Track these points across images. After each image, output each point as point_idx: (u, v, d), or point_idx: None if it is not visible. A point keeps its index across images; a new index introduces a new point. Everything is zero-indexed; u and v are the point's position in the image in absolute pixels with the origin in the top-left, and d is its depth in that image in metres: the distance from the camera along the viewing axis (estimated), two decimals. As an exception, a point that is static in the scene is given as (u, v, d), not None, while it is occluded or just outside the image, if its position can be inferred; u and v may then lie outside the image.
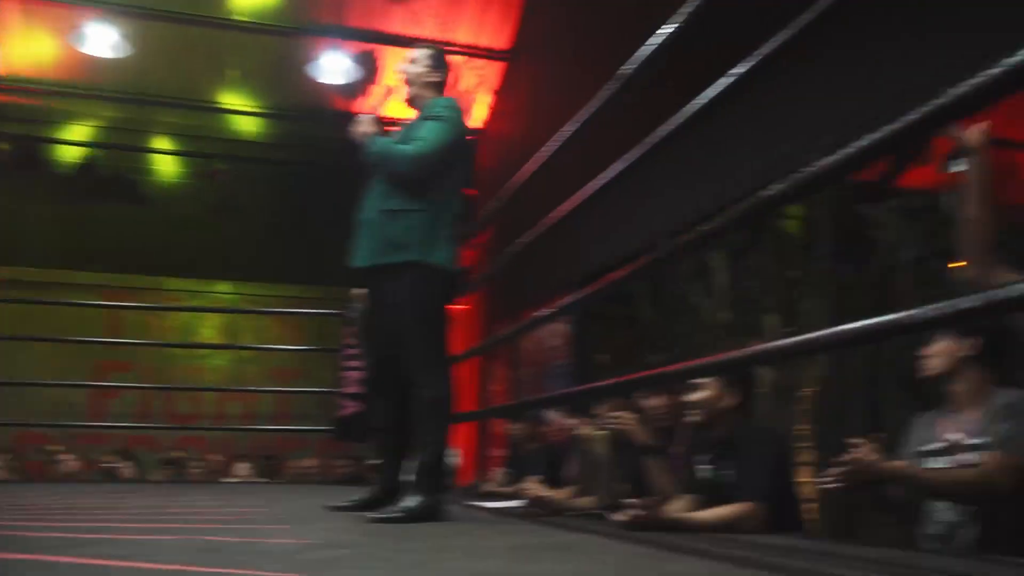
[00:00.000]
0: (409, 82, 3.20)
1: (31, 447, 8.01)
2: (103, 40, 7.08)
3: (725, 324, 5.59)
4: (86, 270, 8.61)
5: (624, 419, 3.24)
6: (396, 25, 8.55)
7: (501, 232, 6.18)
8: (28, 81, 8.55)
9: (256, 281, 9.11)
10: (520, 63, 8.31)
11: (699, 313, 5.88)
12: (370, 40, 8.59)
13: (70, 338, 7.28)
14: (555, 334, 6.98)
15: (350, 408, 5.94)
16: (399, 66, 3.24)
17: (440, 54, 3.26)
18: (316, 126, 9.24)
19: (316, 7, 8.43)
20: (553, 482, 4.13)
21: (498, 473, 5.34)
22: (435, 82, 3.21)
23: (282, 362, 8.45)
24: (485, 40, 8.56)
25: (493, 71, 8.82)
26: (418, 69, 3.20)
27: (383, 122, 3.15)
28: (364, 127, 3.06)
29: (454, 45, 8.40)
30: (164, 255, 8.83)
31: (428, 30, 8.46)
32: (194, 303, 9.01)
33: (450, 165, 3.01)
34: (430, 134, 2.96)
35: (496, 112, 8.83)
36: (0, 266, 8.51)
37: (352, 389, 5.87)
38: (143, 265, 8.72)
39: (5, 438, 7.74)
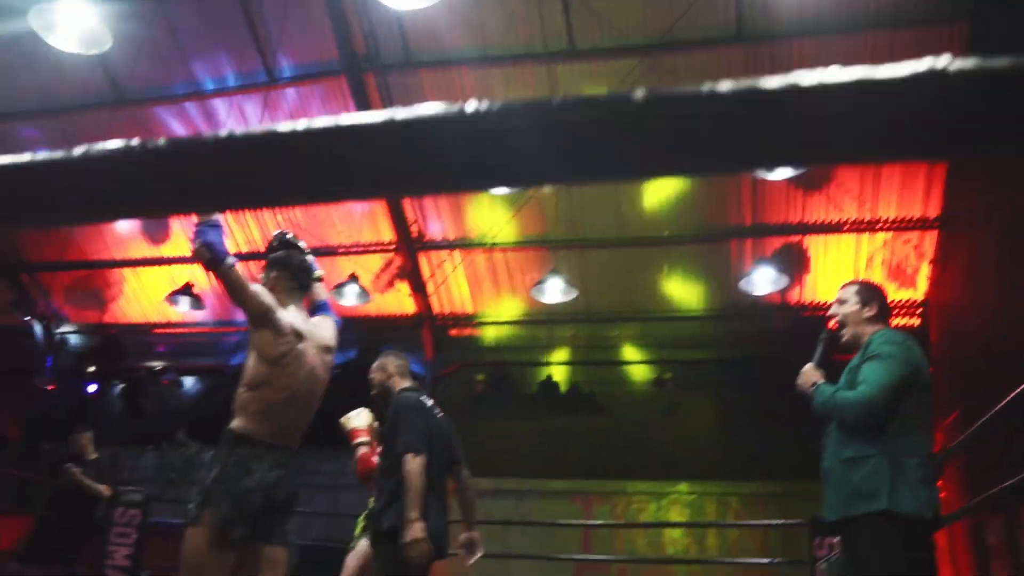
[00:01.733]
0: (842, 324, 3.17)
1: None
2: (556, 289, 8.25)
3: None
4: (558, 478, 9.55)
5: None
6: (817, 213, 8.66)
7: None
8: (493, 316, 10.64)
9: (715, 480, 9.25)
10: (955, 229, 7.78)
11: None
12: (793, 232, 8.76)
13: (551, 555, 8.28)
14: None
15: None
16: (831, 309, 3.26)
17: (867, 287, 3.23)
18: (755, 324, 9.47)
19: (736, 211, 8.94)
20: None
21: None
22: (870, 316, 3.12)
23: (750, 566, 8.30)
24: (914, 211, 8.32)
25: (928, 241, 8.37)
26: (848, 309, 3.16)
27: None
28: (807, 377, 3.12)
29: (880, 221, 8.20)
30: (625, 459, 9.55)
31: (850, 211, 8.40)
32: (660, 503, 9.36)
33: (903, 402, 2.90)
34: (873, 375, 2.90)
35: (937, 281, 8.28)
36: (483, 477, 9.80)
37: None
38: (608, 470, 9.49)
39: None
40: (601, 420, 10.46)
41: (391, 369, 3.78)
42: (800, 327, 9.67)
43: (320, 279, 3.40)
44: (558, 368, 10.63)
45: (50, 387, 11.75)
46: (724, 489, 9.76)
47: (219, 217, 2.81)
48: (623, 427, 10.26)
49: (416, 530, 3.23)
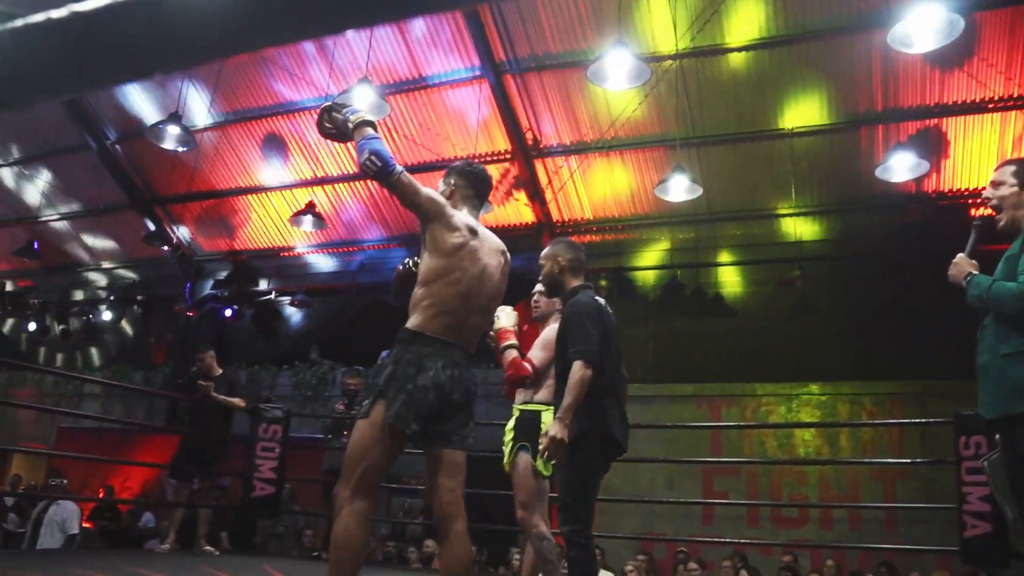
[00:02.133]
0: (997, 209, 2.96)
1: (660, 546, 8.85)
2: (680, 187, 8.04)
3: None
4: (684, 382, 9.48)
5: None
6: (959, 93, 8.12)
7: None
8: (613, 220, 10.33)
9: (847, 380, 9.02)
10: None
11: None
12: (930, 116, 8.26)
13: (680, 459, 8.56)
14: None
15: (978, 528, 5.17)
16: (985, 193, 3.06)
17: None
18: (888, 216, 9.06)
19: (867, 98, 8.49)
20: None
21: None
22: None
23: (885, 467, 8.20)
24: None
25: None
26: (1005, 191, 2.94)
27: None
28: (961, 268, 2.96)
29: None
30: (753, 361, 9.49)
31: (995, 88, 7.85)
32: (790, 405, 9.22)
33: None
34: None
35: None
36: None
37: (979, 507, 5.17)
38: (735, 373, 9.41)
39: (637, 542, 8.75)
40: (728, 322, 10.33)
41: (563, 261, 3.55)
42: (938, 217, 9.21)
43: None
44: (682, 270, 10.45)
45: (190, 313, 12.39)
46: (857, 389, 9.54)
47: (377, 129, 2.89)
48: (750, 328, 10.11)
49: (561, 431, 3.15)
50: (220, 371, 7.13)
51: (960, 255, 2.99)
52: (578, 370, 3.19)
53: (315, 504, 9.31)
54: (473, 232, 2.88)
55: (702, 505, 9.46)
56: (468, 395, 2.81)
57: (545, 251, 3.63)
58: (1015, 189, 2.91)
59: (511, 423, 3.87)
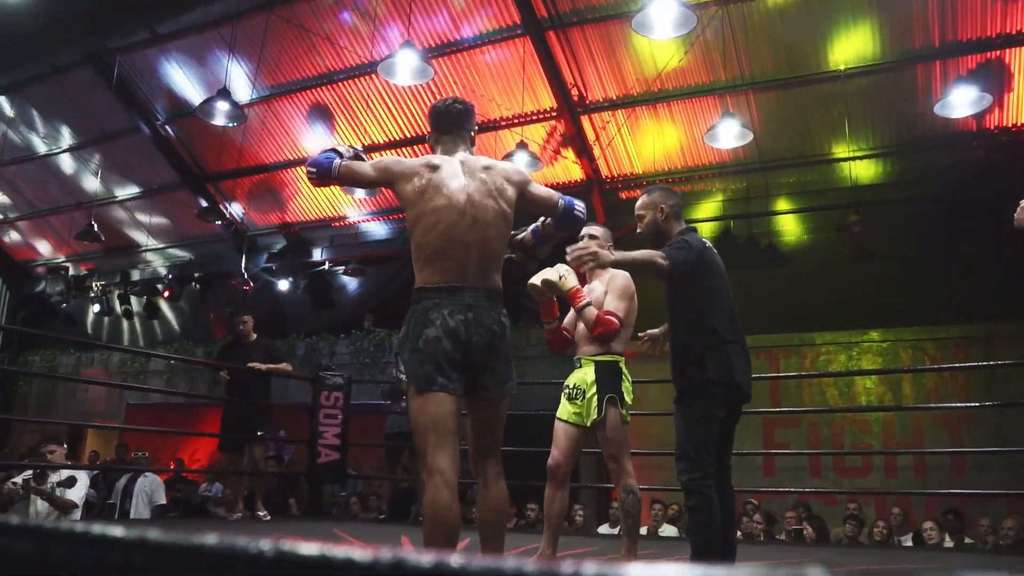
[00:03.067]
0: None
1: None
2: (730, 133, 7.86)
3: None
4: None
5: None
6: (1020, 22, 7.80)
7: None
8: (662, 174, 10.11)
9: (910, 325, 8.82)
10: None
11: None
12: (991, 48, 7.95)
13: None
14: None
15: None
16: None
17: None
18: (949, 155, 8.76)
19: (923, 32, 8.17)
20: None
21: None
22: None
23: (951, 411, 7.96)
24: None
25: None
26: None
27: None
28: None
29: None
30: (811, 311, 9.32)
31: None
32: (850, 353, 9.07)
33: None
34: None
35: None
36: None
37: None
38: (794, 322, 9.24)
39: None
40: (784, 270, 10.13)
41: (665, 208, 3.43)
42: (1001, 154, 8.90)
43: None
44: (735, 220, 10.28)
45: (247, 287, 12.57)
46: (919, 335, 9.34)
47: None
48: (808, 276, 9.91)
49: (605, 257, 3.01)
50: (255, 336, 7.15)
51: None
52: (656, 256, 3.08)
53: (379, 469, 9.48)
54: (432, 167, 2.73)
55: (763, 456, 9.40)
56: (492, 335, 2.62)
57: (642, 200, 3.50)
58: None
59: (588, 375, 3.79)
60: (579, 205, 2.94)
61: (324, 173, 2.78)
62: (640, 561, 3.48)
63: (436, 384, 2.54)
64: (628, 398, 3.83)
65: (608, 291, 3.85)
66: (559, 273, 3.59)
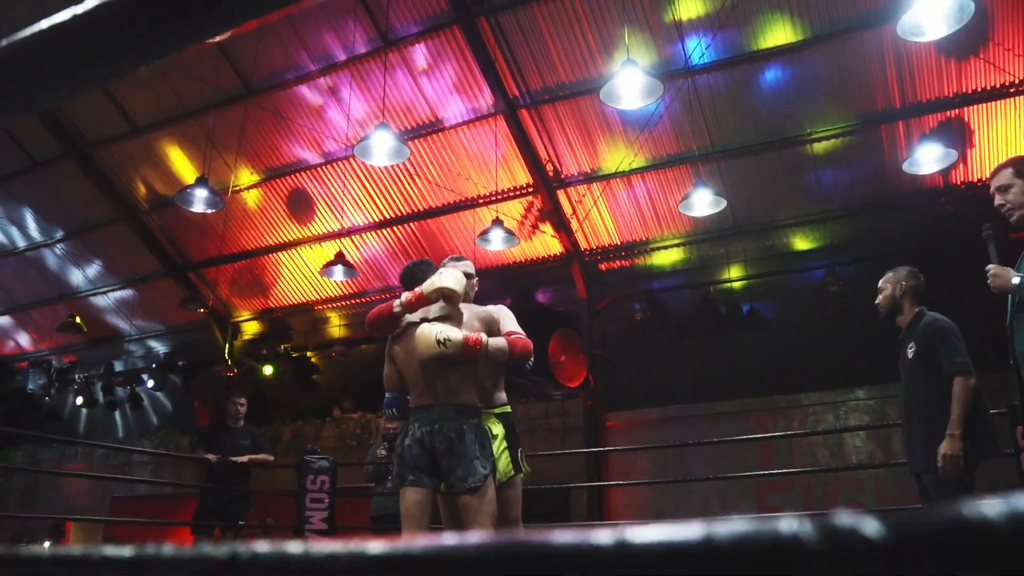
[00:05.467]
0: (1010, 210, 3.08)
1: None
2: (704, 201, 7.97)
3: None
4: (728, 399, 9.33)
5: None
6: (977, 80, 8.01)
7: None
8: (640, 244, 10.44)
9: (894, 381, 8.70)
10: None
11: None
12: (949, 107, 8.14)
13: (731, 474, 8.05)
14: None
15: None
16: (996, 201, 3.14)
17: (1021, 161, 3.12)
18: (914, 212, 8.89)
19: (884, 95, 8.45)
20: None
21: None
22: None
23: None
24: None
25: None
26: (1012, 195, 3.07)
27: None
28: (1002, 278, 3.04)
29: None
30: (796, 372, 9.29)
31: (1015, 72, 7.72)
32: (838, 412, 9.07)
33: None
34: None
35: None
36: (651, 408, 9.73)
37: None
38: (779, 385, 9.25)
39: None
40: (766, 334, 10.17)
41: (904, 286, 3.85)
42: (969, 208, 9.01)
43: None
44: (715, 288, 10.32)
45: (230, 373, 12.44)
46: (905, 391, 9.27)
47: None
48: (790, 338, 9.91)
49: (954, 446, 3.36)
50: (243, 423, 7.05)
51: (992, 266, 3.06)
52: (963, 382, 3.47)
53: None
54: (405, 326, 3.40)
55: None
56: (450, 442, 3.17)
57: (887, 275, 3.94)
58: (1021, 187, 3.01)
59: (495, 428, 3.52)
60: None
61: (393, 407, 3.46)
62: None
63: (406, 480, 3.20)
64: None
65: (496, 318, 3.53)
66: (446, 336, 3.20)
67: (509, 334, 3.47)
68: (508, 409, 3.65)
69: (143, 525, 12.49)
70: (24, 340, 15.44)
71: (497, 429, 3.53)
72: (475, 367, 3.33)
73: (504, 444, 3.52)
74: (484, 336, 3.32)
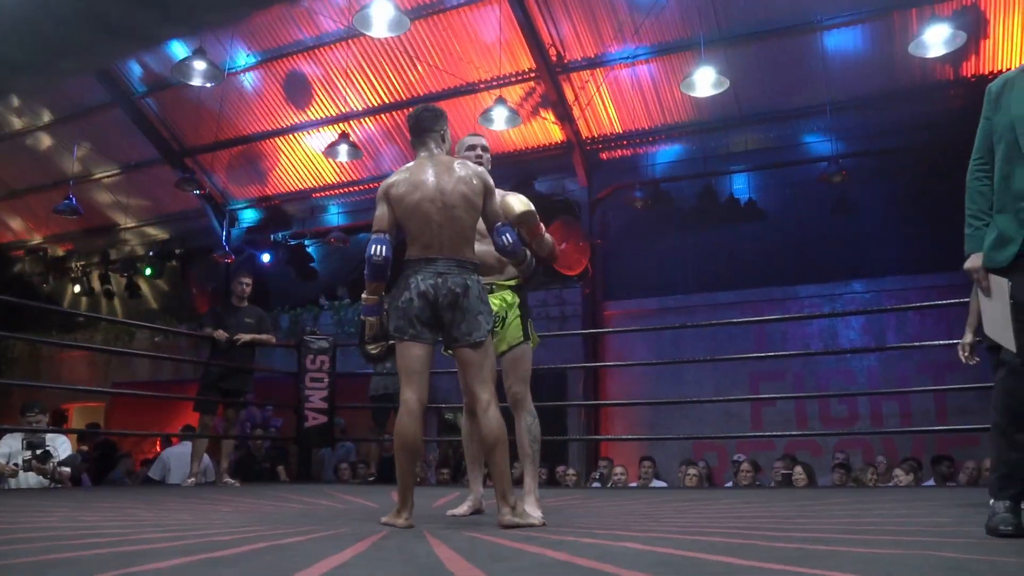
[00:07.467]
0: None
1: (711, 455, 8.92)
2: (706, 80, 7.85)
3: None
4: (726, 289, 9.41)
5: None
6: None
7: None
8: (642, 132, 10.33)
9: (892, 275, 8.86)
10: None
11: None
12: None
13: (725, 356, 8.25)
14: None
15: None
16: None
17: None
18: (923, 105, 8.77)
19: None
20: None
21: None
22: None
23: (935, 355, 7.94)
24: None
25: None
26: None
27: None
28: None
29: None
30: (794, 264, 9.33)
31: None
32: (834, 306, 9.17)
33: None
34: None
35: None
36: (650, 297, 9.82)
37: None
38: (777, 277, 9.31)
39: (688, 448, 8.76)
40: (767, 225, 10.21)
41: None
42: (979, 102, 8.89)
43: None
44: (715, 177, 10.29)
45: (229, 260, 12.49)
46: (903, 284, 9.40)
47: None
48: (791, 230, 9.98)
49: None
50: (247, 303, 7.10)
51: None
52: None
53: (365, 434, 9.47)
54: (408, 171, 3.30)
55: (751, 410, 9.50)
56: (455, 296, 3.16)
57: None
58: None
59: (509, 298, 3.67)
60: (510, 236, 3.32)
61: (376, 260, 3.26)
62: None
63: (407, 334, 3.15)
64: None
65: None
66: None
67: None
68: (519, 280, 3.72)
69: (145, 409, 12.78)
70: (19, 227, 15.44)
71: (511, 298, 3.66)
72: (475, 225, 3.31)
73: (517, 312, 3.65)
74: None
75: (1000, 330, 2.63)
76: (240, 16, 9.57)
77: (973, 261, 2.69)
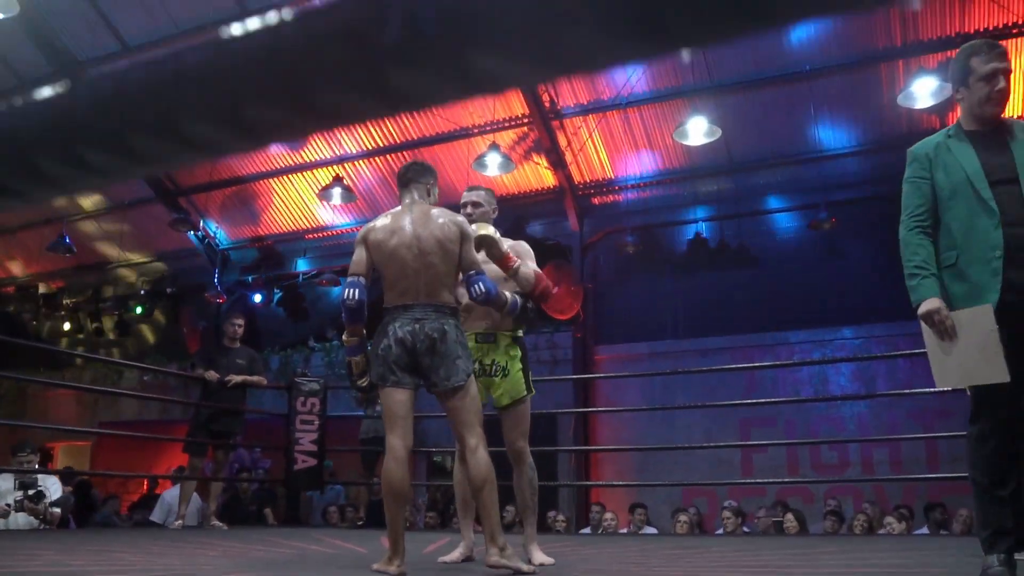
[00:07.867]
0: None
1: (700, 501, 8.88)
2: (699, 129, 7.97)
3: None
4: (716, 335, 9.43)
5: None
6: (980, 20, 7.99)
7: None
8: (634, 179, 10.26)
9: (882, 322, 8.91)
10: None
11: None
12: (951, 47, 8.15)
13: (716, 403, 8.37)
14: None
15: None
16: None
17: None
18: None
19: (885, 32, 8.41)
20: None
21: None
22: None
23: (925, 403, 7.97)
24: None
25: None
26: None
27: None
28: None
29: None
30: (785, 310, 9.38)
31: (1018, 12, 7.70)
32: (824, 352, 9.18)
33: None
34: None
35: None
36: (639, 342, 9.84)
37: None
38: (767, 322, 9.34)
39: (677, 494, 8.71)
40: (756, 272, 10.25)
41: None
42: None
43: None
44: (706, 224, 10.39)
45: (220, 300, 12.48)
46: (893, 331, 9.41)
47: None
48: (780, 277, 10.03)
49: None
50: (239, 344, 7.14)
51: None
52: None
53: (355, 477, 9.41)
54: (388, 217, 3.40)
55: (742, 456, 9.46)
56: (432, 341, 3.22)
57: None
58: None
59: (513, 350, 3.69)
60: (482, 285, 3.37)
61: (349, 304, 3.37)
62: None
63: (388, 381, 3.22)
64: None
65: (520, 252, 3.75)
66: (494, 231, 3.61)
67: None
68: (521, 332, 3.77)
69: (131, 449, 12.65)
70: (11, 265, 15.39)
71: (515, 351, 3.71)
72: (455, 272, 3.35)
73: (519, 366, 3.70)
74: (517, 260, 3.65)
75: (973, 368, 2.61)
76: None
77: (930, 304, 2.72)
